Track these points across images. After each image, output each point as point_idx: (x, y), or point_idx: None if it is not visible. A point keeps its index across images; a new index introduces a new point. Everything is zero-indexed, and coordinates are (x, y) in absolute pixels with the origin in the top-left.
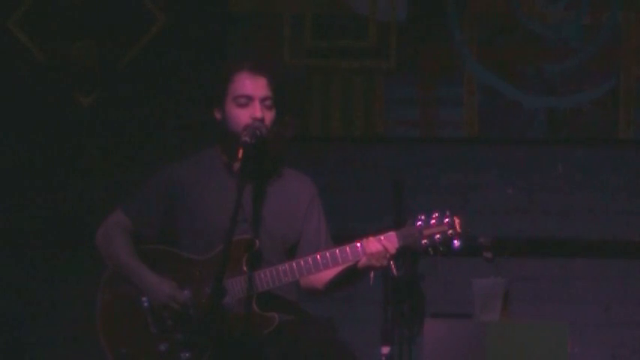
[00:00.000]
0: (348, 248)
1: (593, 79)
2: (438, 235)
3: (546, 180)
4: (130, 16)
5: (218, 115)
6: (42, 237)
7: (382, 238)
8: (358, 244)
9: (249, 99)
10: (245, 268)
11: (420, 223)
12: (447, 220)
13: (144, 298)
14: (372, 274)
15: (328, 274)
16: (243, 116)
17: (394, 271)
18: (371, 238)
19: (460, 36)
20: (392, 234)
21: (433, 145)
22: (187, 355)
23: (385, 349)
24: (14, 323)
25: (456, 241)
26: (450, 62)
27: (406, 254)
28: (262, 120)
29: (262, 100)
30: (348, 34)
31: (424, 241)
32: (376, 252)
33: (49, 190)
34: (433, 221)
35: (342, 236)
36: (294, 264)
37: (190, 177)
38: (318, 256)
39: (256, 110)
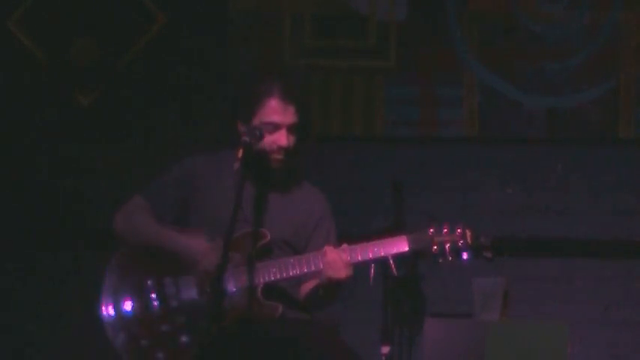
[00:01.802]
0: (358, 248)
1: (593, 79)
2: (448, 244)
3: (546, 180)
4: (130, 16)
5: (242, 129)
6: (42, 237)
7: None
8: (369, 246)
9: (277, 126)
10: (253, 258)
11: (431, 230)
12: (459, 230)
13: (151, 279)
14: (371, 274)
15: (308, 287)
16: (267, 141)
17: (394, 271)
18: (328, 248)
19: (460, 36)
20: (403, 237)
21: (433, 145)
22: (186, 338)
23: (385, 349)
24: (14, 323)
25: (465, 253)
26: (450, 62)
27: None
28: (287, 148)
29: (289, 127)
30: (348, 34)
31: (434, 247)
32: (332, 261)
33: (49, 190)
34: (445, 230)
35: (342, 236)
36: (302, 257)
37: (207, 172)
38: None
39: (283, 139)
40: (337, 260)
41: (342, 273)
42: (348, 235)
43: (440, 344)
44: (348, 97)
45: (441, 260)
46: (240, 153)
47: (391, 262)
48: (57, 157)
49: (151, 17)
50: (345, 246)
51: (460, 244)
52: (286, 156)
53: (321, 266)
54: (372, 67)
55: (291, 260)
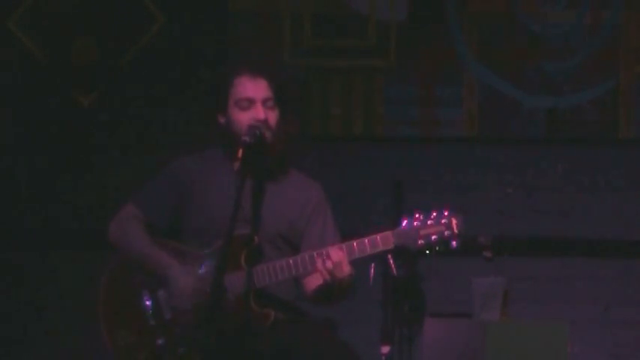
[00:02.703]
0: (344, 247)
1: (593, 79)
2: (434, 236)
3: (546, 180)
4: (130, 16)
5: (222, 120)
6: (43, 237)
7: (355, 244)
8: (355, 244)
9: (251, 102)
10: (243, 264)
11: (416, 223)
12: (444, 220)
13: (144, 291)
14: (371, 273)
15: (315, 283)
16: (245, 119)
17: (394, 271)
18: (332, 247)
19: (460, 36)
20: (388, 233)
21: (433, 145)
22: (183, 350)
23: (385, 349)
24: (14, 323)
25: (453, 243)
26: (450, 62)
27: (406, 254)
28: (265, 121)
29: (264, 101)
30: (348, 34)
31: (420, 242)
32: (337, 261)
33: (49, 190)
34: (430, 221)
35: (342, 236)
36: (290, 260)
37: (198, 172)
38: (315, 254)
39: (259, 112)
40: (336, 259)
41: (340, 272)
42: (349, 235)
43: (440, 344)
44: (348, 97)
45: (428, 252)
46: (240, 153)
47: (391, 261)
48: (57, 156)
49: (151, 17)
50: (338, 245)
51: (446, 234)
52: (273, 136)
53: (309, 268)
54: (372, 67)
55: (280, 264)
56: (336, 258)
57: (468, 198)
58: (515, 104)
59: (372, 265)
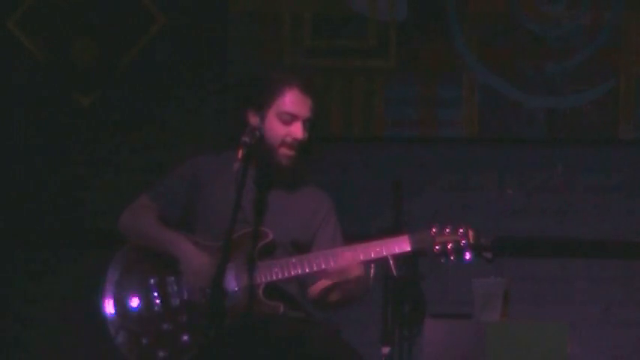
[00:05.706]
0: (358, 248)
1: (593, 79)
2: (450, 244)
3: (546, 180)
4: (130, 16)
5: (253, 120)
6: (43, 237)
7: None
8: (370, 247)
9: (294, 118)
10: (256, 257)
11: (434, 229)
12: (461, 230)
13: (153, 277)
14: (372, 273)
15: (321, 286)
16: (283, 132)
17: (394, 271)
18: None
19: (460, 36)
20: (405, 237)
21: (433, 145)
22: (187, 337)
23: (385, 350)
24: (14, 323)
25: (467, 253)
26: (450, 62)
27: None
28: (302, 142)
29: (305, 121)
30: (348, 34)
31: (436, 247)
32: (348, 261)
33: (49, 190)
34: (447, 230)
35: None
36: (304, 257)
37: (212, 172)
38: (327, 253)
39: (298, 131)
40: (350, 260)
41: (354, 272)
42: (349, 235)
43: (440, 345)
44: (348, 97)
45: (443, 260)
46: (240, 153)
47: (391, 262)
48: (57, 157)
49: (151, 17)
50: (354, 246)
51: (462, 243)
52: (297, 152)
53: (323, 267)
54: (372, 67)
55: (293, 260)
56: (349, 259)
57: (467, 198)
58: (516, 104)
59: (372, 265)
